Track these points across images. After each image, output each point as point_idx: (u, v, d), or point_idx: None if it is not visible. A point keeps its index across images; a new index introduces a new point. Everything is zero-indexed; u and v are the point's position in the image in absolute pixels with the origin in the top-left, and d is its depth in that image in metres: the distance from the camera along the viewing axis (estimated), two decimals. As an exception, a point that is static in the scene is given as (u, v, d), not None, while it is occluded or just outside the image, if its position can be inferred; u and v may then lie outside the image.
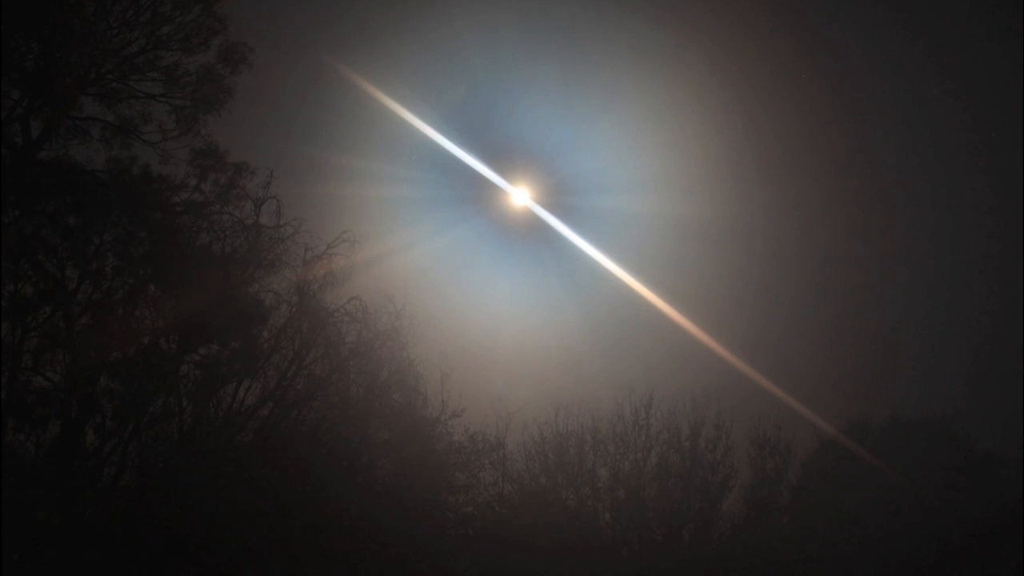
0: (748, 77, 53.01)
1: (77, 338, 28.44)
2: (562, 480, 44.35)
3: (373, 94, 39.39)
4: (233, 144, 29.98)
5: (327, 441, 33.49)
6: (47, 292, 28.27)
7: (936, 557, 41.87)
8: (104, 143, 28.72)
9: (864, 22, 56.52)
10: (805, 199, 52.18)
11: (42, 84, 27.19)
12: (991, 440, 45.93)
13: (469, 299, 43.95)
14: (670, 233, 50.83)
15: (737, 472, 45.87)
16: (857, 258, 56.29)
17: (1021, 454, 43.31)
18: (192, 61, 29.51)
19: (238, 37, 29.86)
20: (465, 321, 41.89)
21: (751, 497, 45.86)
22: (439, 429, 38.03)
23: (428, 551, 35.08)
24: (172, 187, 29.68)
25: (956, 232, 56.59)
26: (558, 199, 46.72)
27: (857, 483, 43.60)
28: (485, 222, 46.65)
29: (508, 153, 45.61)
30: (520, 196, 46.19)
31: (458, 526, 39.71)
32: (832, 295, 54.55)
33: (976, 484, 43.06)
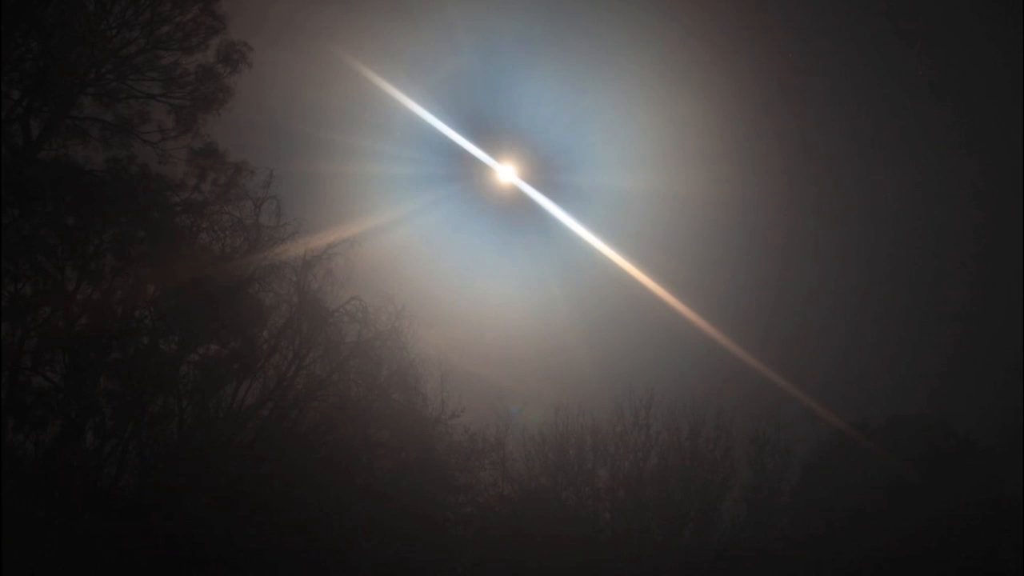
0: (742, 55, 52.83)
1: (76, 338, 28.40)
2: (562, 480, 44.31)
3: (359, 70, 39.28)
4: (217, 122, 29.94)
5: (327, 441, 33.52)
6: (46, 292, 28.24)
7: (936, 556, 41.87)
8: (103, 143, 28.70)
9: (861, 8, 56.39)
10: (802, 189, 52.12)
11: (42, 84, 27.18)
12: (991, 438, 46.01)
13: (458, 285, 43.68)
14: (665, 214, 50.47)
15: (737, 472, 45.86)
16: (857, 255, 56.26)
17: (1021, 452, 43.30)
18: (191, 60, 29.55)
19: (237, 35, 29.89)
20: (455, 310, 41.71)
21: (751, 497, 45.84)
22: (439, 429, 38.00)
23: (428, 551, 35.08)
24: (171, 187, 29.65)
25: (955, 230, 56.61)
26: (546, 176, 46.44)
27: (857, 482, 43.61)
28: (472, 200, 46.27)
29: (494, 129, 45.35)
30: (506, 173, 45.82)
31: (458, 526, 39.68)
32: (831, 290, 54.54)
33: (976, 482, 43.09)
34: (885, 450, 44.49)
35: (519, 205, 46.05)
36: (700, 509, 44.53)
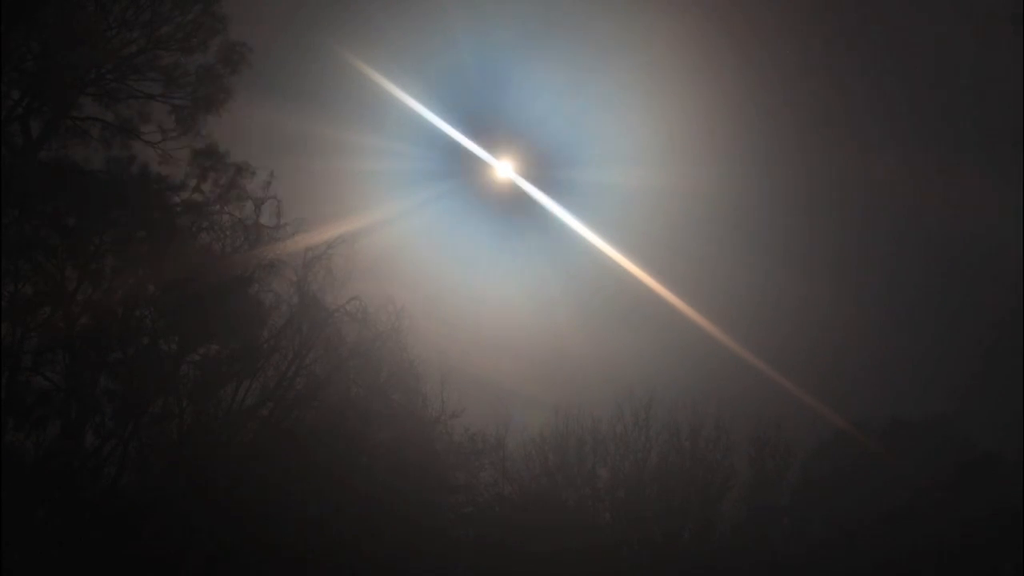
0: (743, 51, 52.54)
1: (77, 338, 28.43)
2: (562, 480, 44.29)
3: (356, 66, 39.19)
4: (215, 119, 29.95)
5: (327, 442, 33.47)
6: (47, 292, 28.26)
7: (935, 556, 41.81)
8: (103, 143, 28.73)
9: (863, 4, 56.08)
10: (804, 187, 51.90)
11: (42, 84, 27.18)
12: (992, 441, 45.89)
13: (457, 283, 43.51)
14: (665, 210, 50.05)
15: (737, 472, 45.80)
16: (859, 253, 56.10)
17: (1022, 455, 43.19)
18: (192, 61, 29.55)
19: (236, 33, 29.90)
20: (454, 309, 41.64)
21: (751, 497, 45.80)
22: (439, 429, 38.08)
23: (428, 552, 35.07)
24: (172, 187, 29.73)
25: (955, 228, 56.35)
26: (544, 172, 46.07)
27: (857, 483, 43.56)
28: (469, 196, 45.91)
29: (491, 125, 45.01)
30: (504, 169, 45.46)
31: (458, 526, 39.71)
32: (832, 288, 54.26)
33: (976, 484, 42.98)
34: (886, 452, 44.42)
35: (517, 201, 45.81)
36: (700, 509, 44.49)
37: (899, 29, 55.78)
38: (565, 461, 44.36)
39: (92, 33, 27.56)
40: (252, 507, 30.11)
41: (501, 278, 46.46)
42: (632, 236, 47.98)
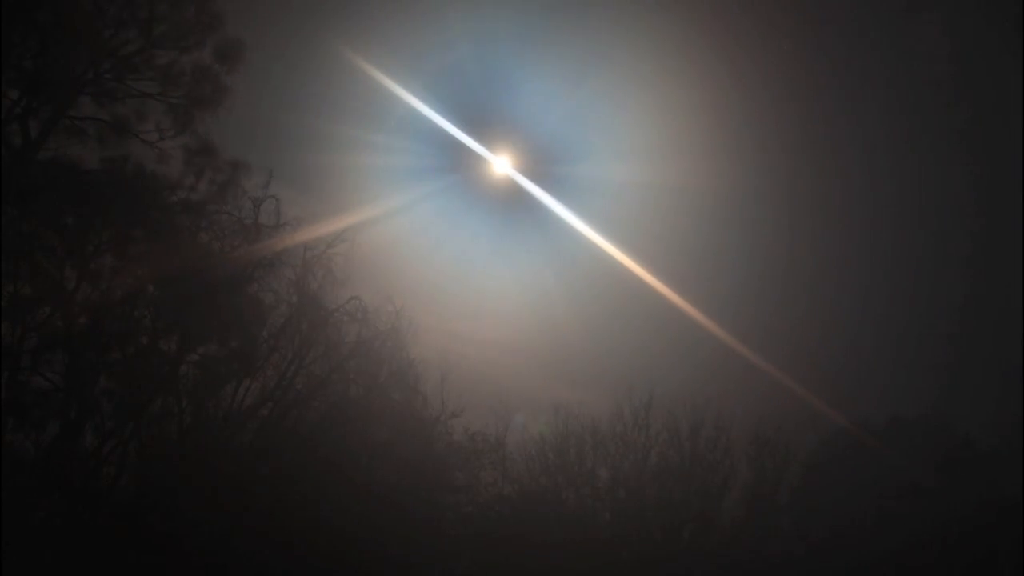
0: (741, 47, 52.59)
1: (76, 338, 28.40)
2: (562, 480, 44.34)
3: (354, 61, 39.16)
4: (213, 116, 29.88)
5: (326, 441, 33.51)
6: (46, 292, 28.24)
7: (934, 555, 41.86)
8: (100, 142, 28.66)
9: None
10: (803, 184, 51.97)
11: (40, 84, 27.19)
12: (991, 439, 45.96)
13: (455, 281, 43.37)
14: (664, 207, 49.81)
15: (737, 472, 45.89)
16: (859, 253, 56.17)
17: (1021, 452, 43.25)
18: (188, 59, 29.48)
19: (233, 29, 29.88)
20: (452, 307, 41.52)
21: (751, 497, 45.85)
22: (439, 429, 38.09)
23: (428, 552, 35.05)
24: (169, 186, 29.66)
25: (956, 230, 56.52)
26: (542, 168, 45.85)
27: (856, 483, 43.59)
28: (467, 192, 45.64)
29: (489, 120, 44.73)
30: (502, 165, 45.26)
31: (458, 526, 39.68)
32: (832, 287, 54.36)
33: (975, 482, 43.05)
34: (886, 450, 44.47)
35: (515, 197, 45.66)
36: (700, 509, 44.56)
37: (898, 27, 55.95)
38: (565, 461, 44.41)
39: (89, 32, 27.56)
40: (252, 507, 30.08)
41: (500, 276, 46.39)
42: (632, 233, 48.02)
